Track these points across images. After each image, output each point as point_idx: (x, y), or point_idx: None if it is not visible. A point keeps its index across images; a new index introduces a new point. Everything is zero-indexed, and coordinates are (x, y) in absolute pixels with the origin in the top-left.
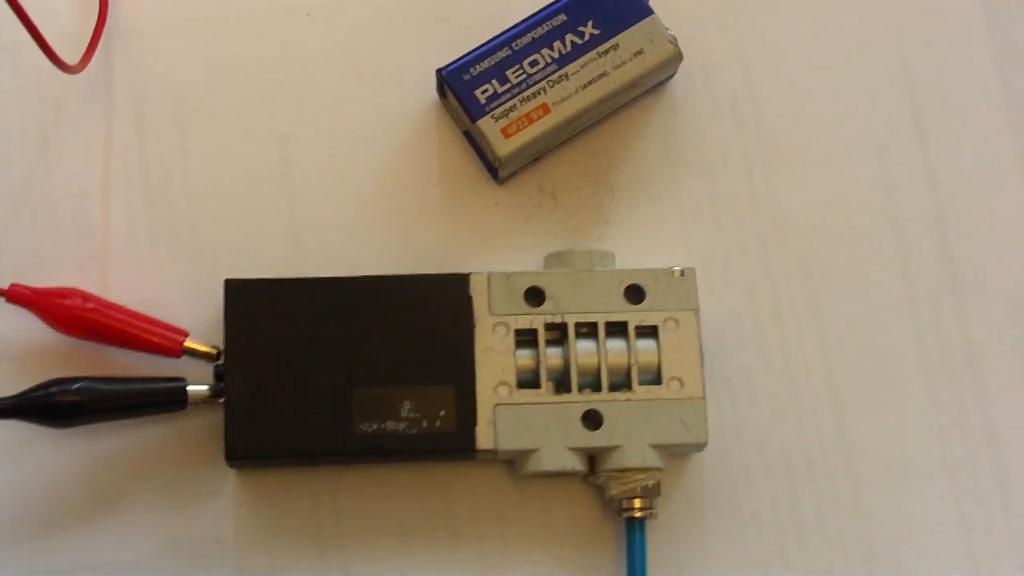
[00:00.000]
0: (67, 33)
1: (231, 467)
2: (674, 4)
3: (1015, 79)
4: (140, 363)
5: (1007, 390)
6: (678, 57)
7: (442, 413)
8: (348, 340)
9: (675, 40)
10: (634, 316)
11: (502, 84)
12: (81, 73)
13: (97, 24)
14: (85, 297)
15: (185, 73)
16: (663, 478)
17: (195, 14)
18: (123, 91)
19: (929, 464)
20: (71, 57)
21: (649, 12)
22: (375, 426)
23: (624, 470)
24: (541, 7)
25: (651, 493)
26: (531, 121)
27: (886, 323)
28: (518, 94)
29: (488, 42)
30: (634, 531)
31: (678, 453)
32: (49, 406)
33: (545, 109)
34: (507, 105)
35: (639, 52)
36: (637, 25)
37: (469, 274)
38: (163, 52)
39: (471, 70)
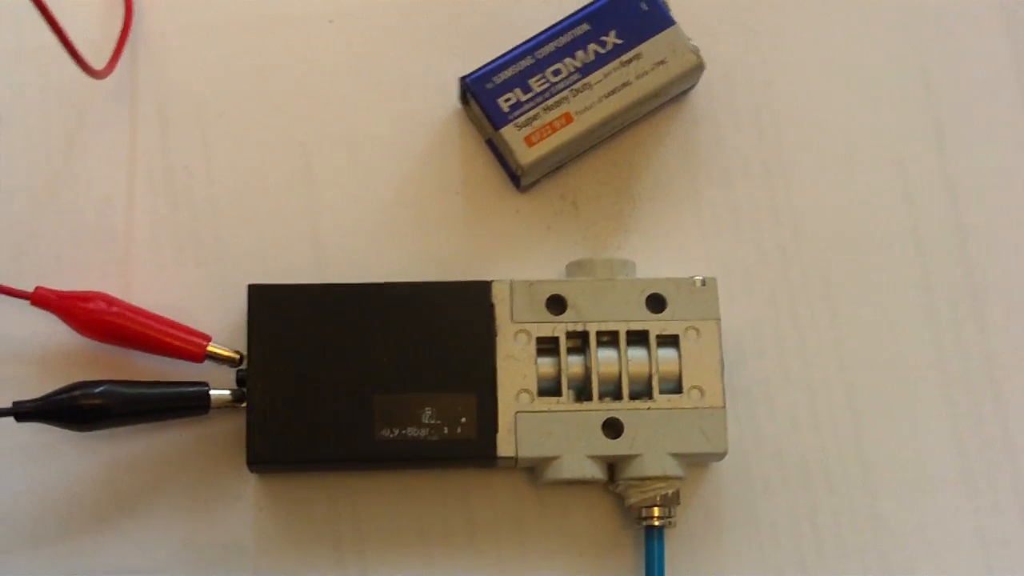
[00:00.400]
0: (91, 38)
1: (252, 472)
2: (696, 14)
3: None
4: (163, 367)
5: None
6: (700, 67)
7: (463, 420)
8: (370, 346)
9: (697, 50)
10: (655, 325)
11: (525, 93)
12: (106, 78)
13: (122, 30)
14: (109, 301)
15: (209, 79)
16: (682, 487)
17: (219, 20)
18: (147, 96)
19: (947, 475)
20: (96, 62)
21: (671, 22)
22: (396, 432)
23: (644, 479)
24: (564, 16)
25: (670, 502)
26: (554, 130)
27: (905, 333)
28: (541, 103)
29: (511, 51)
30: (653, 539)
31: (697, 462)
32: (72, 409)
33: (568, 118)
34: (530, 114)
35: (661, 62)
36: (659, 35)
37: (491, 282)
38: (187, 58)
39: (494, 78)
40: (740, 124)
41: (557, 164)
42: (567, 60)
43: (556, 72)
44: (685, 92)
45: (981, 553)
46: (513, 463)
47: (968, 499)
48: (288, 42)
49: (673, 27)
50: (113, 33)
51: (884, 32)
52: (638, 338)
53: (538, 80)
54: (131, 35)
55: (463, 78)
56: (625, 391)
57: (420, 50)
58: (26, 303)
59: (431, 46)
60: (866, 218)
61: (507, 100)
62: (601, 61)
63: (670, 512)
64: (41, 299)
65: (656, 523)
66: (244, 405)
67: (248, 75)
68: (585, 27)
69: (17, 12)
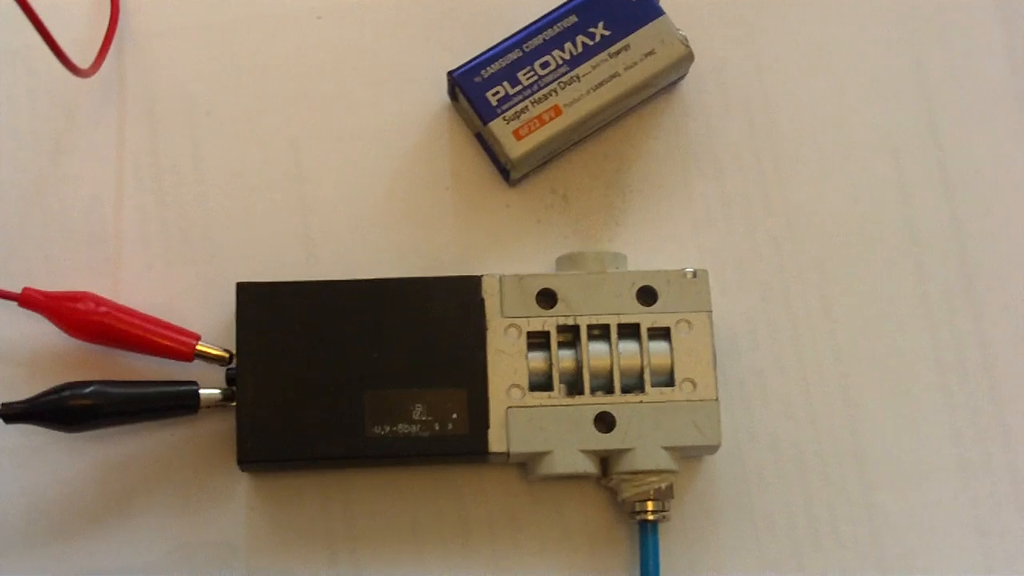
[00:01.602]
0: (79, 37)
1: (243, 471)
2: (685, 4)
3: None
4: (152, 367)
5: (1022, 391)
6: (689, 58)
7: (454, 416)
8: (360, 343)
9: (686, 40)
10: (646, 318)
11: (513, 86)
12: (93, 77)
13: (108, 28)
14: (97, 301)
15: (197, 77)
16: (676, 480)
17: (206, 18)
18: (135, 95)
19: (943, 466)
20: (83, 61)
21: (660, 13)
22: (387, 429)
23: (637, 472)
24: (552, 9)
25: (664, 495)
26: (543, 123)
27: (900, 325)
28: (529, 96)
29: (499, 44)
30: (647, 534)
31: (691, 455)
32: (62, 410)
33: (557, 111)
34: (518, 107)
35: (650, 53)
36: (648, 26)
37: (481, 276)
38: (175, 56)
39: (482, 72)
40: (731, 115)
41: (547, 157)
42: (555, 52)
43: (544, 65)
44: (675, 83)
45: (978, 543)
46: (505, 458)
47: (965, 489)
48: (277, 39)
49: (662, 17)
50: (100, 32)
51: (878, 22)
52: (629, 331)
53: (526, 73)
54: (118, 33)
55: (451, 72)
56: (617, 384)
57: (408, 45)
58: (14, 304)
59: (419, 41)
60: (860, 209)
61: (495, 94)
62: (589, 53)
63: (664, 506)
64: (29, 300)
65: (650, 517)
66: (234, 404)
67: (237, 72)
68: (573, 19)
69: (4, 12)
